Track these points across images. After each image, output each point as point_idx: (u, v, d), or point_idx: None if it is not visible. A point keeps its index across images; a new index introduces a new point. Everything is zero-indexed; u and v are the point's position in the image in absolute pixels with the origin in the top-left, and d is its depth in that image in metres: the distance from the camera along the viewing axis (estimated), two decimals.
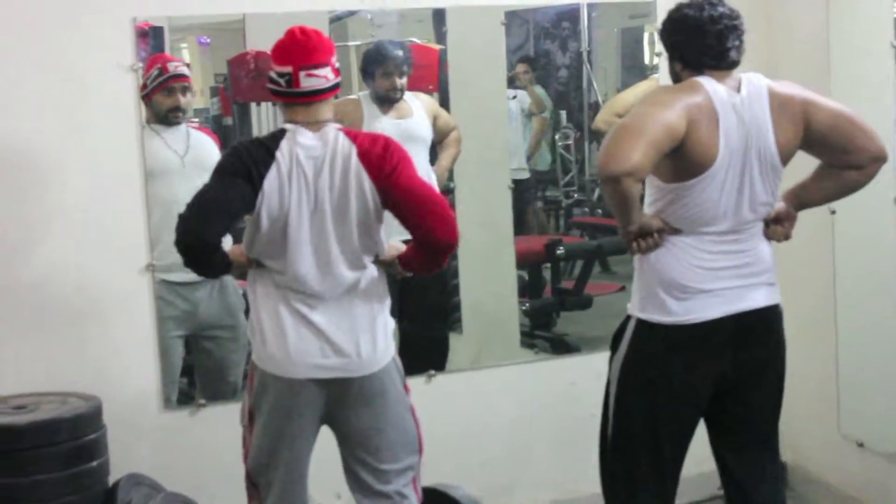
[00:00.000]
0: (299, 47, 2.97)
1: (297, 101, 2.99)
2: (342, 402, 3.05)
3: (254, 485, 3.10)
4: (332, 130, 2.99)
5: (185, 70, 4.09)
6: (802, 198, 3.14)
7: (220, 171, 2.97)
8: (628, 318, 3.09)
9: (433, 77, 4.82)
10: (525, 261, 5.49)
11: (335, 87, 3.04)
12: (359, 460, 3.11)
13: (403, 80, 4.47)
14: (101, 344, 3.73)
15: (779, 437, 3.19)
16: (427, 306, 4.76)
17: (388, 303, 3.12)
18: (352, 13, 4.46)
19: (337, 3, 4.19)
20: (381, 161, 2.95)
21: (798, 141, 3.00)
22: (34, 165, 3.63)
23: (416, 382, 3.82)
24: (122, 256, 3.74)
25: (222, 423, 3.57)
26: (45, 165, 3.64)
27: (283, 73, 2.97)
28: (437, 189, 3.24)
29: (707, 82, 2.92)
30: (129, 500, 3.42)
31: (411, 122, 4.50)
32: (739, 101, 2.92)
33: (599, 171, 2.80)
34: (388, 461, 3.10)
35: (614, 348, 3.11)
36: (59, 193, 3.66)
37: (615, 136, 2.80)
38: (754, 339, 3.05)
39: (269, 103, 4.25)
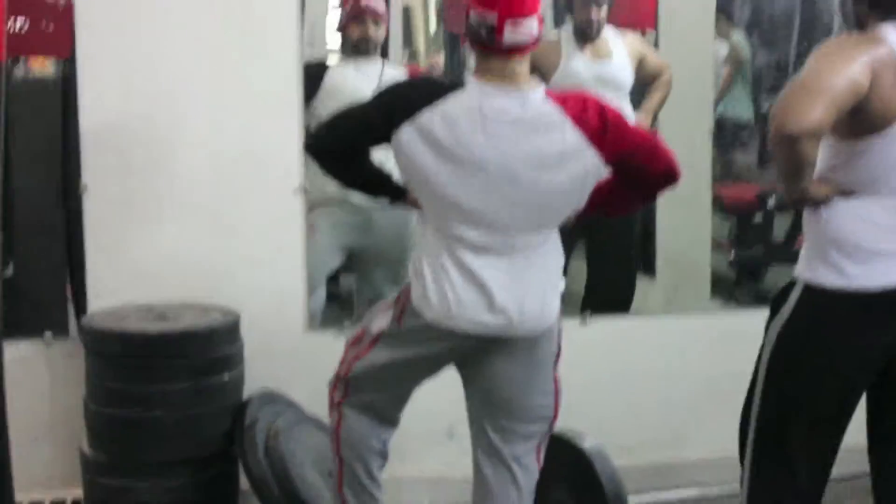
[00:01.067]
0: None
1: (494, 52, 2.72)
2: (490, 359, 2.89)
3: (347, 386, 3.04)
4: (534, 92, 2.75)
5: (376, 5, 4.13)
6: None
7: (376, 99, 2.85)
8: (792, 281, 2.83)
9: (650, 15, 4.60)
10: (734, 209, 5.26)
11: (537, 41, 2.74)
12: (491, 417, 2.97)
13: (602, 13, 4.22)
14: (252, 261, 3.78)
15: None
16: (615, 247, 4.61)
17: (561, 262, 2.94)
18: None
19: None
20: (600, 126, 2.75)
21: None
22: (190, 88, 3.70)
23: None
24: (275, 177, 3.78)
25: None
26: (201, 88, 3.70)
27: (484, 21, 2.67)
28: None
29: (892, 33, 2.62)
30: (257, 417, 3.49)
31: (608, 65, 4.27)
32: None
33: (774, 131, 2.53)
34: (520, 423, 2.96)
35: (774, 311, 2.87)
36: (217, 115, 3.72)
37: (791, 92, 2.53)
38: None
39: None
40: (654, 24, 4.57)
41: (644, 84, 4.38)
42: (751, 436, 2.87)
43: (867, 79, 2.53)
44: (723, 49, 5.06)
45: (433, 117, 2.70)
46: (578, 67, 4.24)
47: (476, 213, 2.74)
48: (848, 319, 2.72)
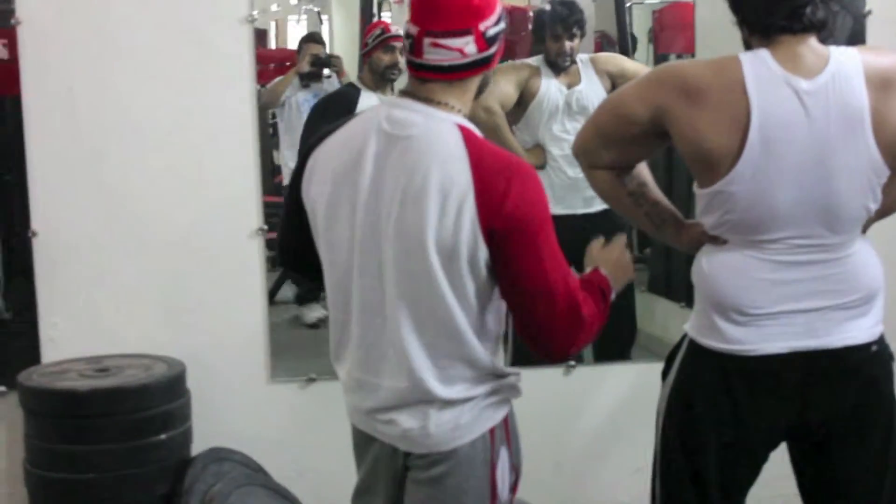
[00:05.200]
0: (438, 3, 2.11)
1: (414, 73, 2.17)
2: None
3: None
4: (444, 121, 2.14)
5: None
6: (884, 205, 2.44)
7: None
8: (684, 336, 2.52)
9: (689, 40, 4.32)
10: None
11: (473, 66, 2.13)
12: None
13: (575, 44, 4.09)
14: (209, 308, 3.58)
15: None
16: None
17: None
18: None
19: None
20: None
21: None
22: (145, 123, 3.50)
23: None
24: (232, 219, 3.56)
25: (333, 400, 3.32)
26: (154, 131, 3.51)
27: (408, 32, 2.15)
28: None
29: (751, 60, 2.29)
30: (198, 479, 3.27)
31: (579, 92, 4.12)
32: (810, 86, 2.25)
33: None
34: None
35: (665, 372, 2.55)
36: (170, 152, 3.52)
37: None
38: (837, 385, 2.40)
39: None
40: (693, 49, 4.28)
41: None
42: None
43: (646, 108, 2.33)
44: None
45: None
46: (554, 93, 4.11)
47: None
48: (731, 387, 2.38)
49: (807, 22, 2.27)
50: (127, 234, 3.53)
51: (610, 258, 2.31)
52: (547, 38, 4.07)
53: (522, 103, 4.11)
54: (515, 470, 2.28)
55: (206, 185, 3.54)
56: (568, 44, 4.06)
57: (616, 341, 4.14)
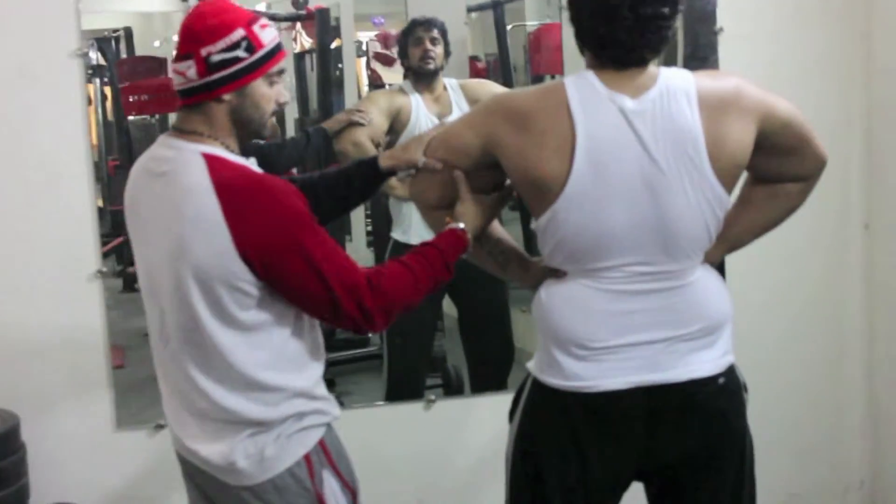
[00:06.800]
0: (180, 29, 2.19)
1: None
2: None
3: None
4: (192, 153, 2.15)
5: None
6: (729, 239, 2.37)
7: None
8: (528, 375, 2.42)
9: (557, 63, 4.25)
10: None
11: (196, 91, 2.16)
12: None
13: (436, 49, 3.98)
14: (47, 355, 3.40)
15: None
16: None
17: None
18: None
19: None
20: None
21: (750, 148, 2.24)
22: None
23: None
24: (69, 261, 3.40)
25: None
26: None
27: None
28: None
29: (574, 82, 2.22)
30: None
31: (448, 121, 4.00)
32: (635, 105, 2.18)
33: None
34: None
35: (512, 413, 2.45)
36: (1, 190, 3.34)
37: None
38: (683, 421, 2.29)
39: None
40: (561, 70, 4.22)
41: None
42: None
43: (477, 138, 2.28)
44: None
45: None
46: (424, 123, 3.95)
47: None
48: (576, 426, 2.29)
49: (636, 60, 2.21)
50: None
51: (459, 210, 2.34)
52: (410, 48, 3.98)
53: (394, 132, 3.98)
54: (350, 488, 2.29)
55: (42, 227, 3.38)
56: (430, 46, 3.95)
57: (492, 365, 4.04)
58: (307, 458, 2.22)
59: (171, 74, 2.18)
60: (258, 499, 2.21)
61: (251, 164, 2.20)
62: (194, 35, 2.14)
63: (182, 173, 2.12)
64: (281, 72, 2.22)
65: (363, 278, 2.15)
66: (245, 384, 2.16)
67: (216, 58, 2.13)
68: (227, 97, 2.16)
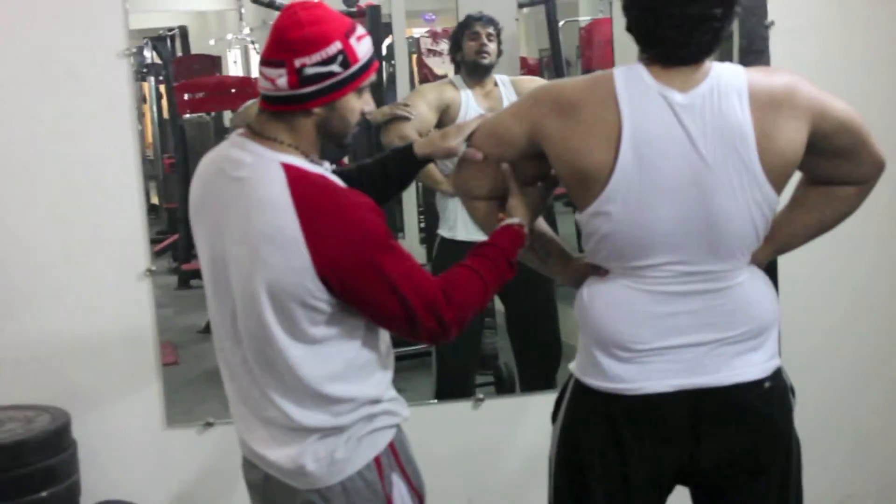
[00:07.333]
0: (272, 30, 2.09)
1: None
2: None
3: None
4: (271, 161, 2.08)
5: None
6: (779, 240, 2.32)
7: None
8: (570, 376, 2.38)
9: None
10: None
11: (285, 101, 2.07)
12: None
13: (492, 44, 3.96)
14: (99, 353, 3.42)
15: None
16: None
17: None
18: None
19: None
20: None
21: (802, 149, 2.17)
22: (26, 170, 3.36)
23: None
24: (118, 261, 3.42)
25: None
26: (39, 170, 3.36)
27: None
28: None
29: (624, 73, 2.17)
30: None
31: None
32: (684, 99, 2.13)
33: None
34: None
35: (554, 415, 2.42)
36: (52, 192, 3.37)
37: None
38: (728, 425, 2.24)
39: None
40: (613, 65, 4.19)
41: None
42: None
43: (522, 127, 2.24)
44: None
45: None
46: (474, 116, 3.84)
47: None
48: (618, 429, 2.25)
49: (685, 58, 2.15)
50: (10, 282, 3.38)
51: (512, 204, 2.30)
52: (465, 42, 3.95)
53: (443, 126, 3.94)
54: (417, 493, 2.26)
55: (90, 229, 3.40)
56: (486, 41, 3.93)
57: (540, 362, 4.00)
58: (377, 460, 2.18)
59: (257, 76, 2.09)
60: (326, 502, 2.16)
61: (327, 170, 2.14)
62: (289, 43, 2.03)
63: (261, 183, 2.05)
64: (371, 83, 2.16)
65: (440, 292, 2.09)
66: (315, 396, 2.11)
67: (310, 70, 2.03)
68: (316, 110, 2.08)
